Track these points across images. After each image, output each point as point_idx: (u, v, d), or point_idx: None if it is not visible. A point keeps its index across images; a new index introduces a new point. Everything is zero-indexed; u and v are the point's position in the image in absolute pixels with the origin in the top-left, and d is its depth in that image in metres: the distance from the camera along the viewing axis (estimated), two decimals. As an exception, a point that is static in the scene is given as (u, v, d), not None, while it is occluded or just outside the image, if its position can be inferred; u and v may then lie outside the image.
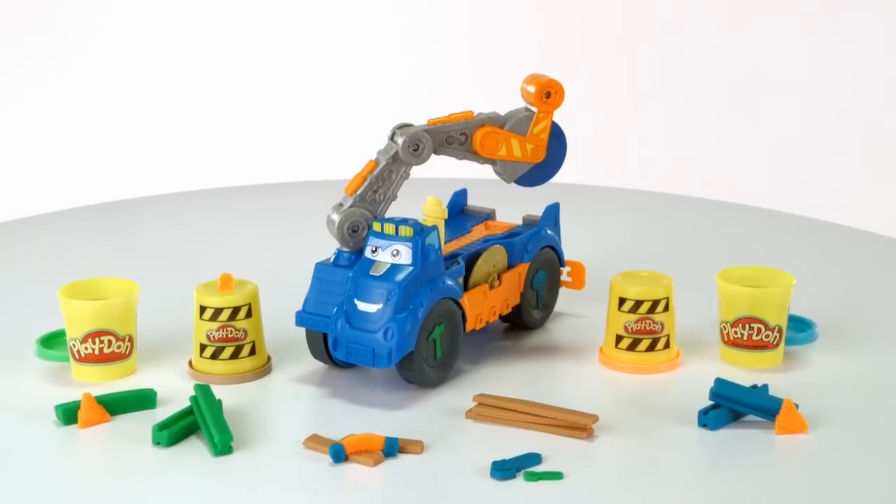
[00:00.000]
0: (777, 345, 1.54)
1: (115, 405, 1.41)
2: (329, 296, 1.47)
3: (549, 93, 1.55)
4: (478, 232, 1.64)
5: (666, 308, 1.52)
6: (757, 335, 1.52)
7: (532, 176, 1.59)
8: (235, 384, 1.49)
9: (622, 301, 1.52)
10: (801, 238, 2.09)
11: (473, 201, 1.73)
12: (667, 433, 1.38)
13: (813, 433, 1.37)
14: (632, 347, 1.53)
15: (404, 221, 1.45)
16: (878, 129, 3.41)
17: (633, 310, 1.52)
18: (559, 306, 1.70)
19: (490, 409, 1.40)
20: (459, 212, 1.71)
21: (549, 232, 1.64)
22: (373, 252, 1.46)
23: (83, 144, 3.50)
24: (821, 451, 1.35)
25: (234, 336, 1.49)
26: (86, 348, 1.49)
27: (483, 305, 1.54)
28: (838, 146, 3.42)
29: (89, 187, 3.20)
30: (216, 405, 1.38)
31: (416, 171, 1.54)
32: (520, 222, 1.68)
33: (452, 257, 1.52)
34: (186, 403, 1.40)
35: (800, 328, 1.62)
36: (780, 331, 1.53)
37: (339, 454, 1.31)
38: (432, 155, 1.52)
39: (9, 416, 1.42)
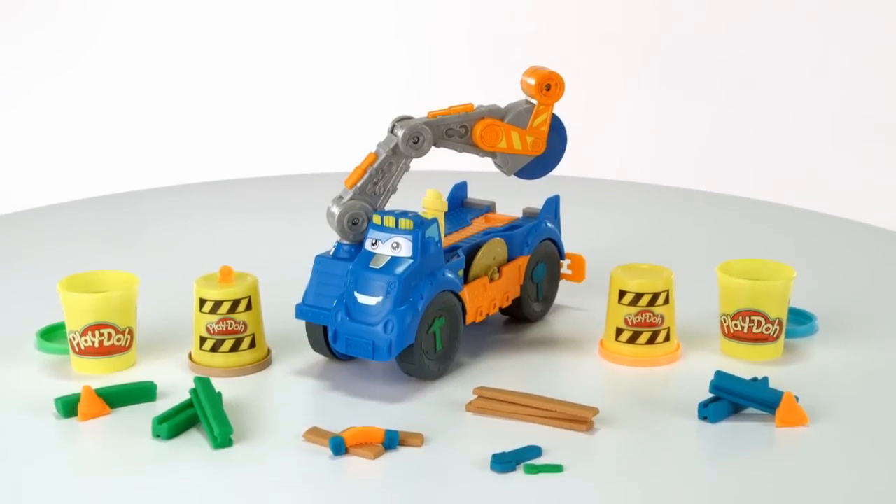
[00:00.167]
0: (777, 338, 1.54)
1: (115, 398, 1.41)
2: (329, 288, 1.47)
3: (549, 85, 1.55)
4: (478, 224, 1.64)
5: (666, 301, 1.52)
6: (757, 328, 1.52)
7: (532, 168, 1.59)
8: (235, 377, 1.49)
9: (622, 294, 1.52)
10: (801, 231, 2.09)
11: (473, 194, 1.72)
12: (667, 426, 1.38)
13: (813, 426, 1.37)
14: (632, 340, 1.53)
15: (404, 214, 1.45)
16: (879, 121, 3.40)
17: (634, 302, 1.52)
18: (559, 299, 1.70)
19: (490, 402, 1.40)
20: (459, 204, 1.71)
21: (549, 224, 1.64)
22: (373, 245, 1.45)
23: (83, 137, 3.50)
24: (821, 443, 1.35)
25: (233, 329, 1.49)
26: (86, 341, 1.49)
27: (483, 298, 1.54)
28: (840, 139, 3.42)
29: (89, 180, 3.20)
30: (216, 398, 1.38)
31: (416, 164, 1.53)
32: (520, 215, 1.68)
33: (452, 250, 1.52)
34: (186, 396, 1.40)
35: (800, 321, 1.62)
36: (780, 324, 1.53)
37: (339, 447, 1.31)
38: (432, 147, 1.52)
39: (9, 408, 1.42)
